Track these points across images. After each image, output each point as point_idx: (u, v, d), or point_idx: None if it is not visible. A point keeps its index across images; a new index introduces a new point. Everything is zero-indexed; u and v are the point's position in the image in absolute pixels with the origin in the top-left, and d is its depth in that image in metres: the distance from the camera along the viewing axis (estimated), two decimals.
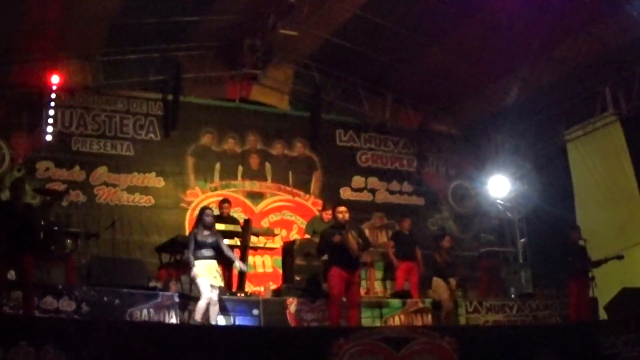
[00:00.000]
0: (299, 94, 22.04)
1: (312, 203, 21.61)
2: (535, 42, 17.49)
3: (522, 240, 22.89)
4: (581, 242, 16.53)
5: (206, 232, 13.91)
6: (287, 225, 21.11)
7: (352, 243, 13.72)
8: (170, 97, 20.04)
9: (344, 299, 13.81)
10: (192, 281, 13.72)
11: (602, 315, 15.00)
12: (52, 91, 18.46)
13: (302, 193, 21.74)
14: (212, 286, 13.41)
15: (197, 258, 13.54)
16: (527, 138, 22.01)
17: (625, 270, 16.41)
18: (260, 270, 19.87)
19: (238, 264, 14.40)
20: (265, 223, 20.60)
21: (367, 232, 20.38)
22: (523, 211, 22.83)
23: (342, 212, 14.15)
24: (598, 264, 16.27)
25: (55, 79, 18.42)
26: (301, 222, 20.87)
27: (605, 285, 15.81)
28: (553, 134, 21.24)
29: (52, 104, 18.52)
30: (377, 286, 18.93)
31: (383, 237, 21.52)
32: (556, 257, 17.75)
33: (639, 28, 16.36)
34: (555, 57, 18.28)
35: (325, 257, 14.57)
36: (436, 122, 23.80)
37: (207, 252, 13.69)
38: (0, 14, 15.93)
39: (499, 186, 22.69)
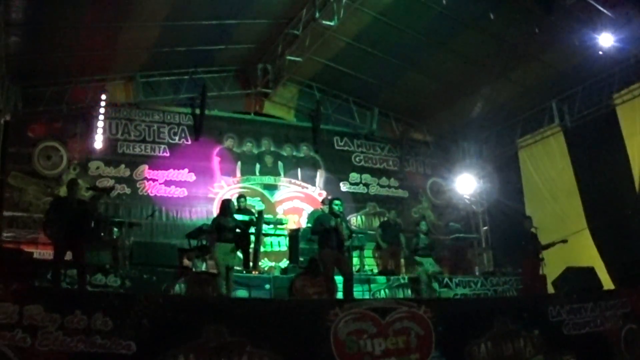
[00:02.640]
0: (303, 108, 22.05)
1: (318, 194, 21.53)
2: (495, 66, 17.50)
3: (485, 228, 22.92)
4: (533, 230, 16.48)
5: (228, 219, 13.90)
6: (298, 211, 21.09)
7: (343, 230, 13.71)
8: (197, 111, 20.05)
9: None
10: (214, 261, 13.70)
11: (550, 289, 14.92)
12: (101, 106, 18.56)
13: (309, 186, 21.72)
14: (228, 266, 13.43)
15: (219, 240, 13.54)
16: (488, 144, 22.08)
17: (569, 252, 16.37)
18: (276, 249, 19.77)
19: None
20: (279, 210, 20.71)
21: (363, 218, 20.68)
22: (485, 204, 22.89)
23: (337, 205, 14.10)
24: (546, 247, 16.24)
25: (103, 96, 18.59)
26: (309, 209, 20.89)
27: (553, 265, 15.76)
28: (509, 141, 21.32)
29: (101, 116, 18.60)
30: (368, 264, 18.95)
31: (376, 222, 21.42)
32: (512, 241, 17.67)
33: (578, 55, 16.37)
34: (512, 79, 18.28)
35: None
36: (414, 131, 23.84)
37: (228, 235, 13.69)
38: (59, 44, 15.98)
39: (466, 184, 22.77)
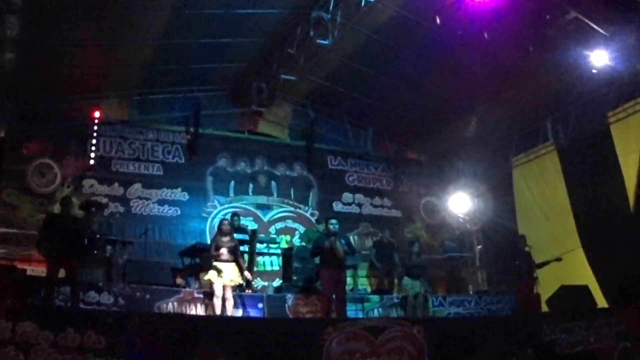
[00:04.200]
0: (297, 127, 22.07)
1: (311, 214, 21.60)
2: (490, 86, 17.57)
3: (479, 247, 22.83)
4: (527, 249, 16.56)
5: (225, 239, 13.95)
6: (290, 231, 21.10)
7: (339, 249, 13.75)
8: (192, 129, 20.09)
9: (334, 296, 13.80)
10: (210, 280, 13.72)
11: (545, 308, 14.96)
12: (95, 124, 18.62)
13: (302, 206, 21.74)
14: (225, 286, 13.45)
15: (216, 260, 13.59)
16: (482, 163, 22.02)
17: (563, 271, 16.42)
18: (268, 268, 19.85)
19: (245, 273, 14.34)
20: (272, 229, 20.74)
21: (355, 238, 20.67)
22: (479, 223, 22.79)
23: (333, 224, 14.15)
24: (541, 265, 16.36)
25: (97, 114, 18.65)
26: (301, 229, 20.97)
27: (547, 283, 15.81)
28: (503, 160, 21.25)
29: (95, 134, 18.66)
30: (362, 283, 19.00)
31: (369, 243, 21.39)
32: (507, 260, 17.79)
33: (572, 74, 16.44)
34: (506, 98, 18.32)
35: (317, 259, 14.53)
36: (408, 150, 23.93)
37: (225, 255, 13.73)
38: (53, 62, 16.04)
39: (460, 203, 22.76)
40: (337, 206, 22.27)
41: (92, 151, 18.56)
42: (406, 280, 16.48)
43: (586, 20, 14.52)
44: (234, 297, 13.97)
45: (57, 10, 14.04)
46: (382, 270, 18.50)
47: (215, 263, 13.60)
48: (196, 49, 17.46)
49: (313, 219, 21.11)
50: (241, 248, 15.72)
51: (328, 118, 22.43)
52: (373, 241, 20.56)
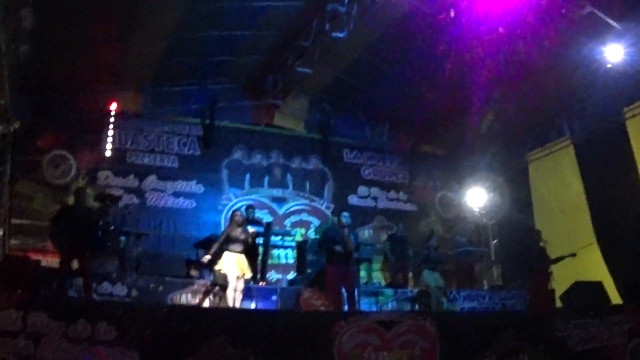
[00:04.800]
0: (313, 120, 21.96)
1: (326, 207, 21.60)
2: (505, 80, 17.49)
3: (494, 241, 22.74)
4: (542, 244, 16.52)
5: (238, 230, 13.95)
6: (305, 224, 21.09)
7: (350, 241, 13.77)
8: (207, 122, 20.07)
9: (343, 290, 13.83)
10: (224, 272, 13.72)
11: (558, 303, 14.92)
12: (110, 116, 18.67)
13: (317, 199, 21.72)
14: (238, 277, 13.46)
15: (228, 251, 13.60)
16: (498, 158, 21.97)
17: (577, 267, 16.37)
18: (283, 261, 19.85)
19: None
20: (287, 222, 20.74)
21: (371, 232, 20.65)
22: (495, 217, 22.70)
23: (345, 217, 14.18)
24: (556, 261, 16.29)
25: (113, 106, 18.75)
26: (316, 222, 20.99)
27: (562, 279, 15.77)
28: (519, 154, 21.22)
29: (111, 126, 18.71)
30: (375, 277, 19.00)
31: (383, 236, 21.33)
32: (521, 255, 17.72)
33: (587, 69, 16.36)
34: (522, 93, 18.24)
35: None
36: (424, 144, 23.87)
37: (237, 247, 13.75)
38: (68, 54, 16.08)
39: (476, 197, 22.70)
40: (353, 199, 22.21)
41: (107, 143, 18.61)
42: (426, 273, 16.48)
43: (601, 15, 14.43)
44: (247, 289, 14.00)
45: (72, 2, 14.08)
46: (395, 264, 18.47)
47: (226, 254, 13.61)
48: (211, 41, 17.52)
49: (328, 212, 21.07)
50: (255, 240, 15.83)
51: (344, 112, 22.42)
52: (388, 234, 20.50)
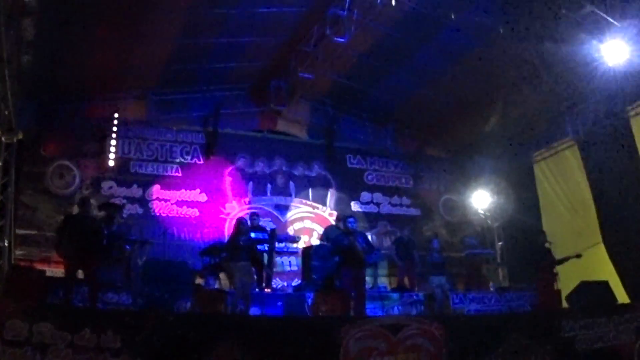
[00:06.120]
0: (316, 125, 22.08)
1: (329, 214, 21.58)
2: (508, 81, 17.53)
3: (500, 243, 22.82)
4: (547, 245, 16.57)
5: (242, 237, 14.00)
6: (308, 232, 21.13)
7: (358, 247, 13.83)
8: (210, 129, 20.20)
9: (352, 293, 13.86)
10: (229, 279, 13.80)
11: (565, 304, 14.93)
12: (113, 124, 18.66)
13: (320, 206, 21.76)
14: (244, 283, 13.51)
15: (233, 259, 13.65)
16: (503, 159, 22.01)
17: (583, 267, 16.40)
18: (287, 269, 19.82)
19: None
20: (290, 231, 20.70)
21: (374, 237, 20.70)
22: (500, 219, 22.76)
23: (351, 222, 14.24)
24: (561, 261, 16.37)
25: (116, 115, 18.70)
26: (319, 229, 20.81)
27: (569, 279, 15.79)
28: (524, 155, 21.27)
29: (114, 135, 18.68)
30: (381, 281, 19.01)
31: (387, 242, 21.46)
32: (527, 257, 17.76)
33: (589, 68, 16.33)
34: (524, 93, 18.27)
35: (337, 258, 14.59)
36: (429, 147, 23.91)
37: (243, 254, 13.79)
38: (71, 62, 16.11)
39: (481, 199, 22.78)
40: (355, 206, 22.28)
41: (110, 152, 18.61)
42: (432, 277, 16.57)
43: (602, 14, 14.45)
44: (253, 296, 14.05)
45: (74, 11, 14.10)
46: (402, 268, 18.48)
47: (231, 261, 13.67)
48: (214, 48, 17.59)
49: (331, 219, 21.05)
50: (260, 247, 15.90)
51: (347, 115, 22.47)
52: (394, 238, 20.50)
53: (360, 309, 13.66)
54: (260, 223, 17.85)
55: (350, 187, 22.51)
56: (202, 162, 20.28)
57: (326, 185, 22.15)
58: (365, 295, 14.47)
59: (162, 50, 17.06)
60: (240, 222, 14.64)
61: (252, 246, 14.36)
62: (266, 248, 16.53)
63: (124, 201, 18.50)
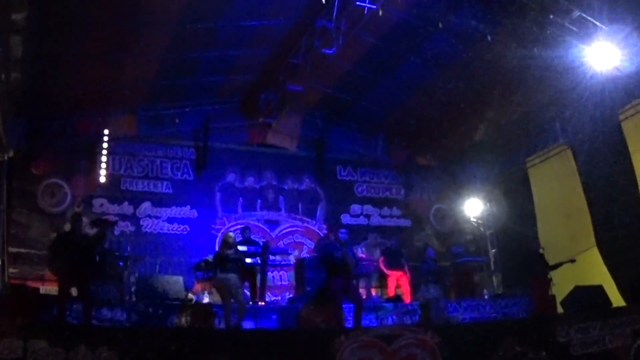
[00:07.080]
0: (306, 137, 22.13)
1: (319, 228, 21.63)
2: (497, 88, 17.61)
3: (493, 250, 22.78)
4: (541, 251, 16.65)
5: (229, 251, 14.04)
6: (298, 246, 21.20)
7: (349, 258, 13.87)
8: (200, 143, 20.26)
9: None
10: (219, 293, 13.84)
11: (560, 309, 14.98)
12: (104, 141, 18.71)
13: (309, 220, 21.82)
14: (235, 297, 13.53)
15: (222, 272, 13.69)
16: (495, 166, 22.10)
17: (578, 271, 16.45)
18: (278, 283, 19.97)
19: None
20: (280, 244, 20.75)
21: (364, 249, 20.71)
22: (493, 227, 22.78)
23: (342, 233, 14.29)
24: (555, 267, 16.45)
25: (106, 131, 18.74)
26: (309, 244, 21.00)
27: (564, 284, 15.81)
28: (516, 162, 21.31)
29: (104, 151, 18.75)
30: (374, 292, 19.03)
31: (377, 253, 21.40)
32: (521, 263, 17.81)
33: (579, 72, 16.41)
34: (514, 100, 18.33)
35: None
36: (420, 156, 23.97)
37: (231, 267, 13.81)
38: (58, 80, 16.15)
39: (473, 207, 22.81)
40: (345, 218, 22.28)
41: (101, 169, 18.68)
42: (429, 285, 16.64)
43: (590, 19, 14.54)
44: (247, 309, 14.07)
45: (62, 27, 14.16)
46: (392, 277, 18.44)
47: (220, 275, 13.72)
48: (203, 62, 17.64)
49: (321, 233, 21.06)
50: (252, 260, 15.93)
51: (338, 126, 22.52)
52: (383, 247, 20.45)
53: (358, 318, 13.66)
54: (252, 237, 17.85)
55: (340, 199, 22.57)
56: (192, 178, 20.33)
57: (316, 199, 22.21)
58: (363, 306, 14.48)
59: (151, 65, 17.11)
60: (227, 235, 14.68)
61: (241, 258, 14.36)
62: (259, 261, 16.55)
63: (116, 218, 18.45)
